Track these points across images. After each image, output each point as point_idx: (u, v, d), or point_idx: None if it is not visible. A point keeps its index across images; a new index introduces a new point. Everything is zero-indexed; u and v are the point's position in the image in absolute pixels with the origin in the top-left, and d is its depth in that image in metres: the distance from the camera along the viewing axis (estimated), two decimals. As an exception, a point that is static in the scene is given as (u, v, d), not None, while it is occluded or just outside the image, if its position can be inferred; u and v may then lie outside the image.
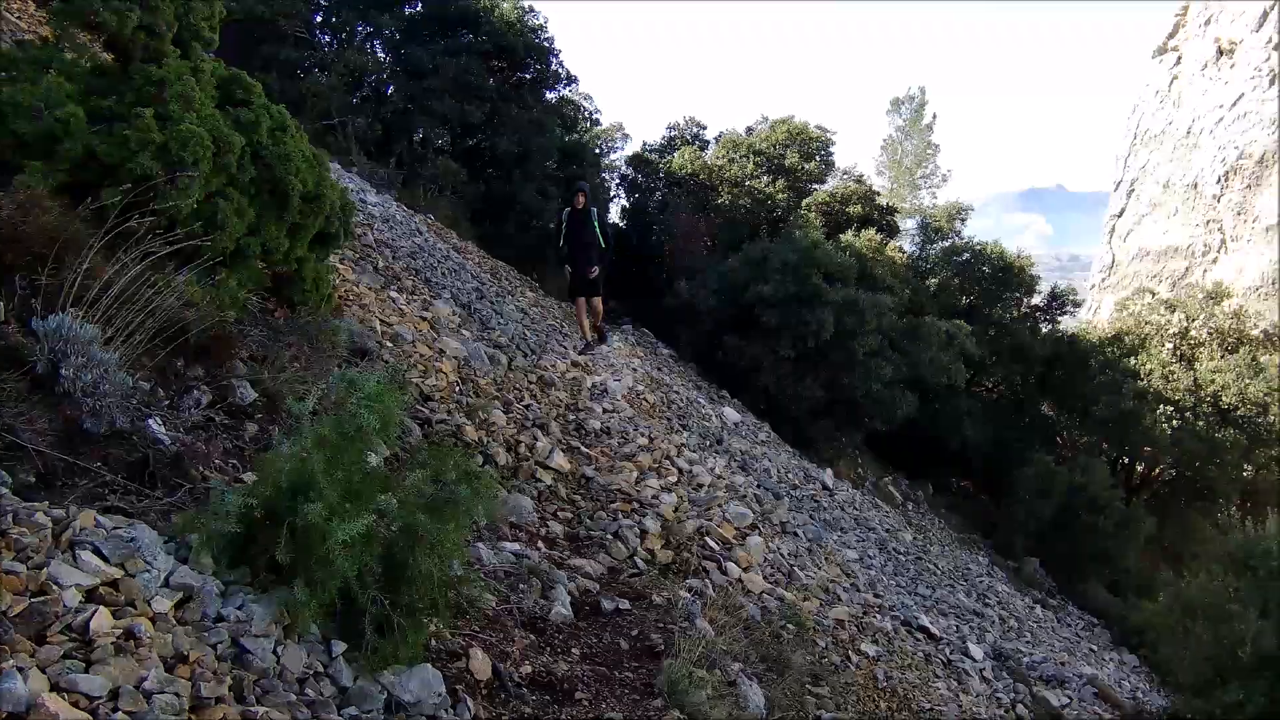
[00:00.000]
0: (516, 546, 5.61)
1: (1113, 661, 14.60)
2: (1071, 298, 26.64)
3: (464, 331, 9.82)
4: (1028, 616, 14.54)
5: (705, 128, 26.87)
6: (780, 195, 23.93)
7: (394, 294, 9.36)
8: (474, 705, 3.56)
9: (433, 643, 3.83)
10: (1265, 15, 34.17)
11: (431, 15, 20.64)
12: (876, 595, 9.85)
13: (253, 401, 4.38)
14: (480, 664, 3.87)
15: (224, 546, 3.17)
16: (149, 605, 2.77)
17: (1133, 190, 41.40)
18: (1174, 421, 21.19)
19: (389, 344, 7.62)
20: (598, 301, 12.43)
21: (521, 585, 5.03)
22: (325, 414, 3.65)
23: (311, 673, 3.11)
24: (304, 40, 17.94)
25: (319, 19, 19.25)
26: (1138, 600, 17.32)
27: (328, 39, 19.47)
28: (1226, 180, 34.65)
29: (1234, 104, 35.02)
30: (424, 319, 9.13)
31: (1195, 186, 36.97)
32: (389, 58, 20.92)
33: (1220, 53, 36.97)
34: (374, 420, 3.43)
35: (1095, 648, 15.08)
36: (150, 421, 3.65)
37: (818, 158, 25.19)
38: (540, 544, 6.04)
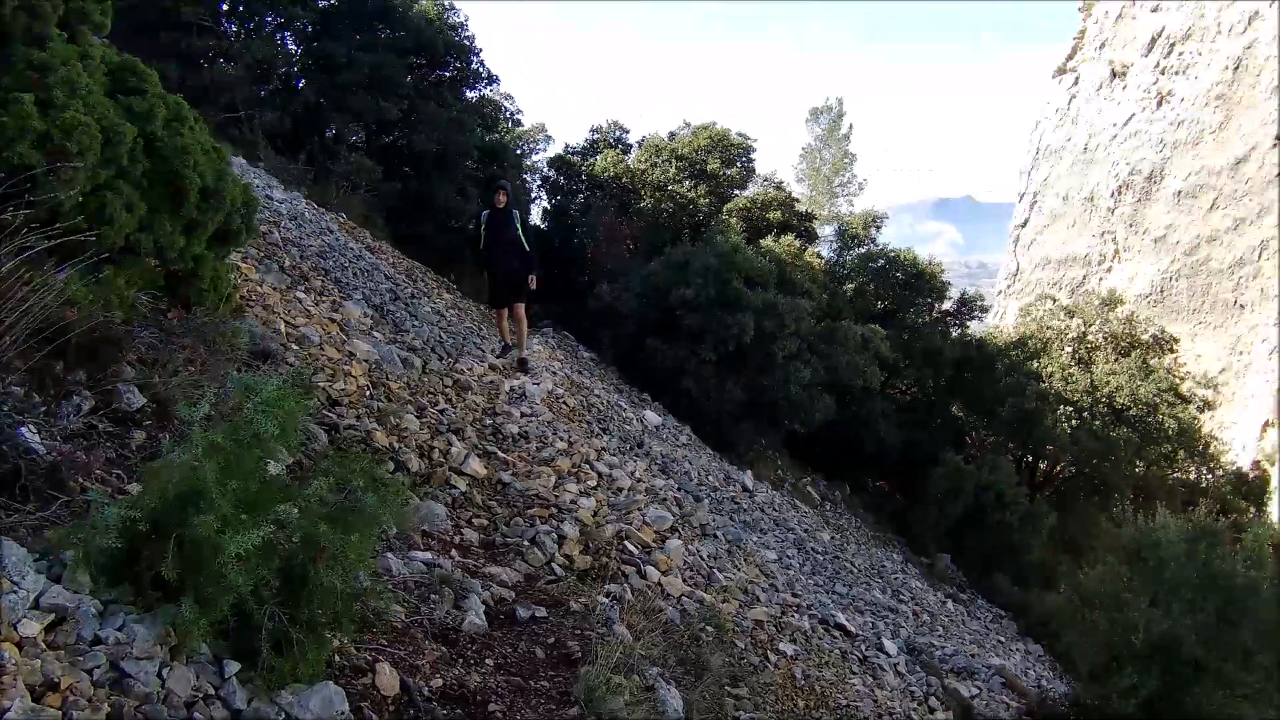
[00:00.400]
0: (428, 555, 5.43)
1: (1019, 651, 14.98)
2: (979, 303, 27.49)
3: (376, 334, 9.55)
4: (940, 611, 14.80)
5: (628, 131, 26.84)
6: (702, 200, 24.06)
7: (301, 294, 9.04)
8: (379, 723, 3.40)
9: (336, 659, 3.65)
10: (1154, 40, 35.78)
11: (347, 9, 20.13)
12: (795, 595, 9.87)
13: (140, 407, 4.11)
14: (387, 679, 3.70)
15: (104, 563, 2.95)
16: (15, 629, 2.55)
17: (1035, 202, 42.98)
18: (1073, 421, 22.03)
19: (294, 346, 7.34)
20: (521, 309, 11.05)
21: (433, 595, 4.86)
22: (221, 420, 3.44)
23: (201, 696, 2.91)
24: (208, 29, 17.23)
25: (225, 7, 18.54)
26: (1041, 592, 17.91)
27: (234, 28, 18.78)
28: (1119, 194, 36.20)
29: (1126, 123, 36.61)
30: (333, 320, 8.84)
31: (1092, 199, 38.53)
32: (300, 50, 20.33)
33: (1114, 75, 38.63)
34: (273, 426, 3.24)
35: (1003, 639, 15.46)
36: (22, 429, 3.39)
37: (739, 164, 25.41)
38: (454, 552, 5.87)
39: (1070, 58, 42.65)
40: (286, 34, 20.04)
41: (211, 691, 2.94)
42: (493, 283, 10.92)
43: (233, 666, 3.05)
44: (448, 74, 22.17)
